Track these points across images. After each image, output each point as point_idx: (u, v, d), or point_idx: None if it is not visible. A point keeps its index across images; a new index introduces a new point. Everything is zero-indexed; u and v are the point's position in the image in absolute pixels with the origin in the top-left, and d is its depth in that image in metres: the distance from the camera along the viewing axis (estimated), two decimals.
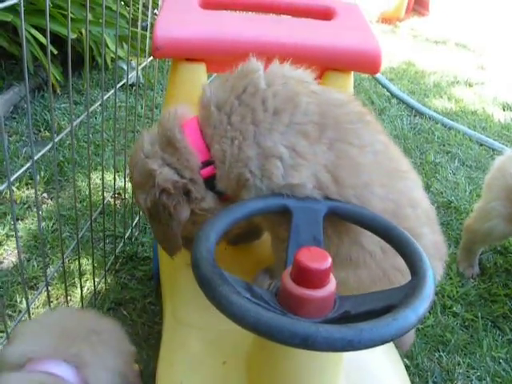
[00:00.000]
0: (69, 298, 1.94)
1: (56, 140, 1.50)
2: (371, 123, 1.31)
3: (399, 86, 4.27)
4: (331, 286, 0.97)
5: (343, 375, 1.11)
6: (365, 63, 1.60)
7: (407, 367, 1.81)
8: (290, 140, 1.20)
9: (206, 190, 1.27)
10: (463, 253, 2.32)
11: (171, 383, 1.21)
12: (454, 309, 2.12)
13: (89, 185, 1.91)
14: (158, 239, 1.38)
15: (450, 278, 2.27)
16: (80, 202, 2.53)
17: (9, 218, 2.39)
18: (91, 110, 1.70)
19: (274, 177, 1.20)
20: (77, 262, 2.06)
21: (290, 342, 0.84)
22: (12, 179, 1.35)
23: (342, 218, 1.21)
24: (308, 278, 0.95)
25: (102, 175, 2.06)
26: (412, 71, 4.68)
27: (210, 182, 1.27)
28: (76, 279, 2.07)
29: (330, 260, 0.96)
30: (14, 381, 1.20)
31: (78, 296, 1.98)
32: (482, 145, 3.44)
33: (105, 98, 1.74)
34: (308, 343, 0.83)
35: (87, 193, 2.55)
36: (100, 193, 2.49)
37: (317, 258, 0.96)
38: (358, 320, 0.97)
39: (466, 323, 2.08)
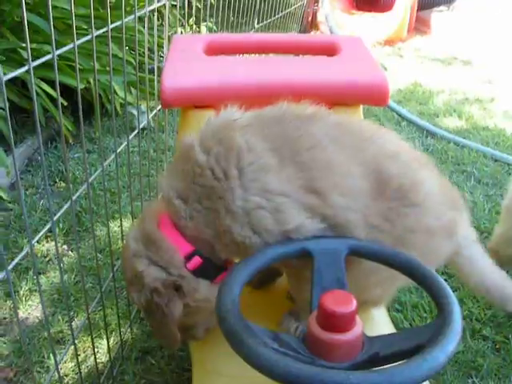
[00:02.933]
0: (96, 349, 1.94)
1: (74, 198, 1.51)
2: (314, 118, 1.29)
3: (407, 107, 4.28)
4: (358, 328, 0.97)
5: None
6: (373, 96, 1.61)
7: None
8: (254, 185, 1.20)
9: (197, 280, 1.29)
10: None
11: None
12: (484, 332, 2.09)
13: (108, 234, 1.93)
14: (156, 334, 1.38)
15: (477, 301, 2.24)
16: (100, 251, 2.55)
17: (31, 272, 2.41)
18: (105, 157, 1.71)
19: (268, 226, 1.21)
20: (101, 313, 2.06)
21: None
22: (34, 241, 1.36)
23: (364, 257, 1.20)
24: (334, 322, 0.95)
25: (121, 223, 2.08)
26: (419, 92, 4.70)
27: (199, 272, 1.28)
28: (102, 331, 2.08)
29: (354, 303, 0.95)
30: None
31: (105, 347, 1.98)
32: (496, 160, 3.43)
33: (118, 150, 1.76)
34: None
35: (106, 241, 2.58)
36: (119, 241, 2.51)
37: (341, 302, 0.96)
38: (387, 361, 0.97)
39: (497, 346, 2.05)
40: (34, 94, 1.26)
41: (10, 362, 1.99)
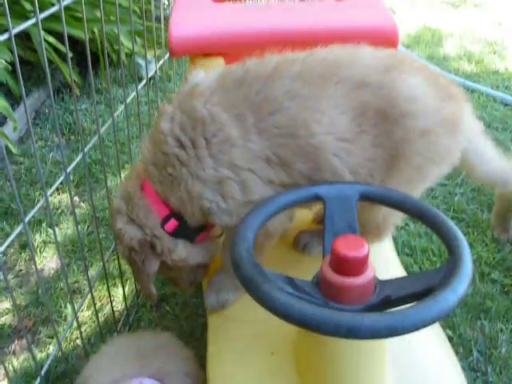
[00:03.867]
0: (111, 298, 1.98)
1: (86, 150, 1.51)
2: (275, 75, 1.27)
3: (417, 51, 4.21)
4: (370, 272, 0.98)
5: (388, 354, 1.12)
6: (382, 39, 1.59)
7: (450, 338, 1.82)
8: (222, 158, 1.24)
9: (176, 241, 1.35)
10: (497, 218, 2.30)
11: (222, 376, 1.25)
12: (493, 275, 2.11)
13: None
14: (139, 284, 1.50)
15: (486, 245, 2.26)
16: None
17: (44, 225, 2.44)
18: (114, 109, 1.71)
19: (235, 195, 1.26)
20: (115, 263, 2.10)
21: (335, 334, 0.85)
22: (49, 192, 1.38)
23: (375, 202, 1.21)
24: (347, 266, 0.97)
25: None
26: (429, 35, 4.61)
27: (177, 233, 1.35)
28: (117, 280, 2.12)
29: (367, 247, 0.97)
30: None
31: (121, 296, 2.03)
32: (506, 105, 3.39)
33: (128, 100, 1.75)
34: (353, 333, 0.85)
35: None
36: None
37: (354, 246, 0.97)
38: (399, 304, 0.99)
39: (506, 289, 2.07)
40: (44, 47, 1.25)
41: (28, 312, 2.04)
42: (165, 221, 1.33)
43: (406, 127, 1.26)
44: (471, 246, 2.24)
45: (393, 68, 1.28)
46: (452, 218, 2.36)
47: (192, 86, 1.30)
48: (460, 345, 1.84)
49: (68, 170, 1.43)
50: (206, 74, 1.35)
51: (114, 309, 1.95)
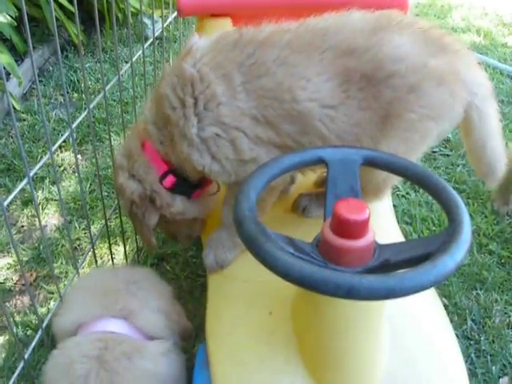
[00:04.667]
0: (112, 256, 2.00)
1: (91, 106, 1.51)
2: (267, 42, 1.29)
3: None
4: (370, 235, 0.99)
5: (385, 317, 1.14)
6: (392, 4, 1.58)
7: (446, 306, 1.85)
8: (209, 115, 1.26)
9: (173, 196, 1.42)
10: (498, 191, 2.31)
11: (220, 334, 1.27)
12: (490, 247, 2.13)
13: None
14: (140, 236, 1.56)
15: (485, 216, 2.28)
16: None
17: (46, 182, 2.45)
18: (119, 68, 1.70)
19: (228, 154, 1.29)
20: (117, 221, 2.12)
21: (334, 294, 0.87)
22: (54, 148, 1.38)
23: (378, 167, 1.22)
24: (348, 229, 0.97)
25: None
26: (437, 6, 4.55)
27: (175, 189, 1.41)
28: (118, 238, 2.14)
29: (368, 211, 0.98)
30: (74, 345, 1.28)
31: (122, 254, 2.05)
32: None
33: (133, 59, 1.74)
34: (352, 294, 0.86)
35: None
36: None
37: (355, 210, 0.97)
38: (397, 268, 1.00)
39: (503, 260, 2.10)
40: (52, 3, 1.24)
41: (30, 267, 2.07)
42: (163, 177, 1.38)
43: (394, 87, 1.27)
44: (471, 217, 2.24)
45: (379, 29, 1.29)
46: (453, 189, 2.37)
47: (187, 48, 1.32)
48: (455, 313, 1.87)
49: (73, 129, 1.44)
50: (202, 37, 1.36)
51: (115, 266, 1.98)
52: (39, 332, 1.41)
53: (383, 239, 1.06)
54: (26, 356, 1.36)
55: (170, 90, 1.28)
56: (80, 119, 1.53)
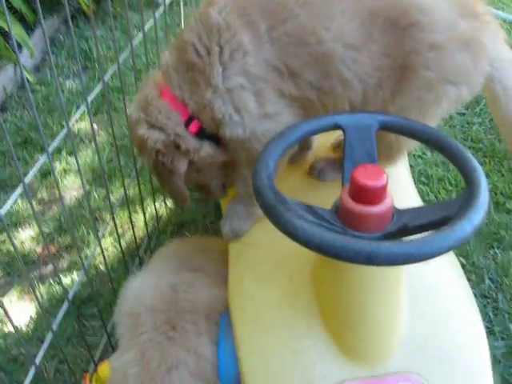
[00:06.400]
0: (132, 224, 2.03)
1: (106, 79, 1.52)
2: None
3: None
4: (388, 200, 1.00)
5: (405, 279, 1.16)
6: None
7: (463, 266, 1.87)
8: (234, 65, 1.24)
9: (201, 141, 1.35)
10: None
11: (243, 298, 1.30)
12: (507, 205, 2.13)
13: None
14: (168, 195, 1.49)
15: (502, 175, 2.27)
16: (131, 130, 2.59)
17: (63, 153, 2.47)
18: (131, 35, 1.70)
19: (249, 107, 1.26)
20: (136, 190, 2.14)
21: (354, 260, 0.88)
22: (72, 122, 1.39)
23: (394, 132, 1.22)
24: (366, 195, 0.98)
25: None
26: None
27: (201, 134, 1.35)
28: (137, 206, 2.16)
29: (386, 176, 0.98)
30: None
31: (142, 222, 2.08)
32: None
33: (146, 28, 1.73)
34: (371, 260, 0.88)
35: None
36: None
37: (373, 176, 0.98)
38: (415, 232, 1.01)
39: None
40: None
41: (52, 238, 2.11)
42: (188, 122, 1.33)
43: (415, 38, 1.24)
44: (487, 175, 2.25)
45: None
46: (469, 148, 2.36)
47: None
48: (472, 272, 1.89)
49: (89, 100, 1.44)
50: None
51: (136, 235, 2.01)
52: (65, 304, 1.44)
53: (401, 203, 1.06)
54: (54, 328, 1.40)
55: (196, 37, 1.26)
56: (96, 92, 1.53)
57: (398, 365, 1.15)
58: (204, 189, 1.51)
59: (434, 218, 1.00)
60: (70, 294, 1.47)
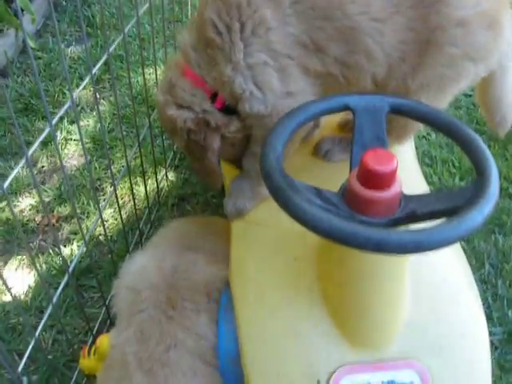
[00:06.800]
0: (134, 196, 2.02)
1: (111, 50, 1.49)
2: None
3: None
4: (397, 186, 0.99)
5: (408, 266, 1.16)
6: None
7: (464, 250, 1.86)
8: (257, 41, 1.21)
9: (229, 117, 1.34)
10: None
11: (245, 279, 1.29)
12: (510, 190, 2.13)
13: (144, 79, 1.88)
14: (201, 176, 1.47)
15: (506, 159, 2.25)
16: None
17: (65, 122, 2.44)
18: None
19: (273, 84, 1.24)
20: (137, 161, 2.12)
21: (363, 248, 0.87)
22: (75, 95, 1.37)
23: (405, 115, 1.20)
24: (375, 180, 0.97)
25: (155, 70, 2.03)
26: None
27: (227, 109, 1.33)
28: (138, 178, 2.15)
29: (395, 161, 0.97)
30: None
31: (143, 194, 2.06)
32: None
33: None
34: (381, 248, 0.86)
35: (138, 90, 2.58)
36: (152, 89, 2.51)
37: (383, 161, 0.97)
38: (423, 219, 1.00)
39: None
40: None
41: (52, 208, 2.10)
42: (213, 98, 1.32)
43: (441, 14, 1.22)
44: None
45: None
46: (474, 131, 2.34)
47: None
48: (473, 257, 1.89)
49: (94, 71, 1.42)
50: None
51: (136, 207, 2.00)
52: (66, 276, 1.43)
53: (408, 189, 1.05)
54: (54, 300, 1.40)
55: (216, 15, 1.23)
56: (101, 63, 1.50)
57: (398, 350, 1.16)
58: (238, 161, 1.49)
59: (444, 207, 0.98)
60: (71, 268, 1.46)
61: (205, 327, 1.27)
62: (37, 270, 1.33)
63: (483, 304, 1.70)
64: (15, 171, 1.17)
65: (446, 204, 0.99)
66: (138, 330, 1.25)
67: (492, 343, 1.63)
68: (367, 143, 1.13)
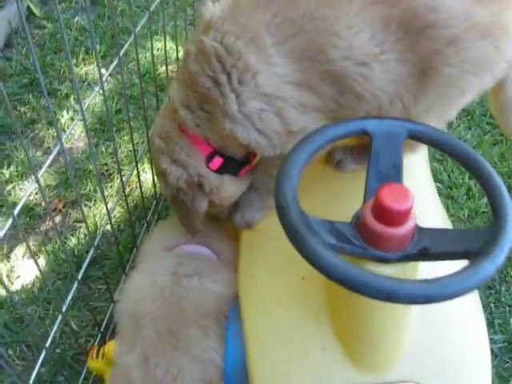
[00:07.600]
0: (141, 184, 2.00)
1: (122, 52, 1.45)
2: None
3: None
4: (412, 222, 0.99)
5: None
6: None
7: None
8: (246, 89, 1.17)
9: (222, 177, 1.33)
10: None
11: (254, 295, 1.30)
12: None
13: (152, 54, 1.79)
14: (181, 222, 1.45)
15: None
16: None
17: (71, 100, 2.40)
18: None
19: (276, 127, 1.22)
20: (145, 145, 2.09)
21: (374, 297, 0.88)
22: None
23: (423, 142, 1.18)
24: (390, 216, 0.96)
25: (165, 45, 1.93)
26: None
27: (222, 170, 1.32)
28: (146, 165, 2.13)
29: (411, 198, 0.96)
30: (158, 258, 1.44)
31: (150, 183, 2.05)
32: None
33: None
34: (391, 298, 0.87)
35: (146, 66, 2.53)
36: (160, 66, 2.46)
37: (399, 198, 0.96)
38: (435, 259, 1.00)
39: None
40: None
41: (58, 193, 2.08)
42: (209, 159, 1.30)
43: (432, 38, 1.18)
44: (502, 156, 2.22)
45: None
46: (487, 124, 2.32)
47: (204, 20, 1.22)
48: None
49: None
50: (217, 3, 1.24)
51: (143, 195, 1.98)
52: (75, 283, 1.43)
53: (422, 218, 1.04)
54: (63, 309, 1.40)
55: (200, 69, 1.19)
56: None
57: (402, 373, 1.17)
58: (212, 215, 1.49)
59: (457, 249, 0.98)
60: (81, 273, 1.44)
61: (212, 352, 1.27)
62: (39, 269, 1.32)
63: (485, 309, 1.72)
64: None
65: (460, 247, 0.98)
66: (142, 357, 1.26)
67: (492, 351, 1.65)
68: (383, 171, 1.12)
